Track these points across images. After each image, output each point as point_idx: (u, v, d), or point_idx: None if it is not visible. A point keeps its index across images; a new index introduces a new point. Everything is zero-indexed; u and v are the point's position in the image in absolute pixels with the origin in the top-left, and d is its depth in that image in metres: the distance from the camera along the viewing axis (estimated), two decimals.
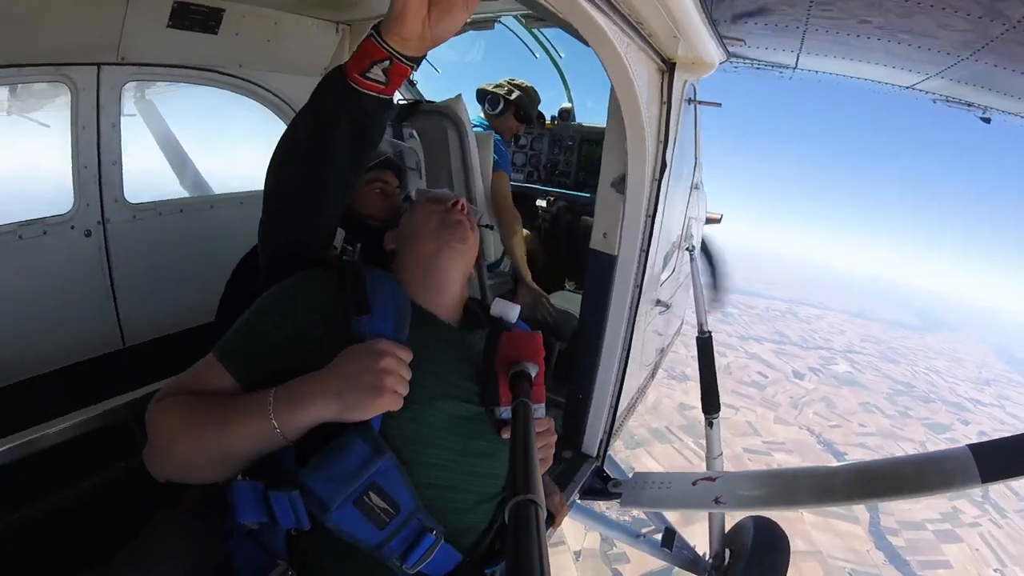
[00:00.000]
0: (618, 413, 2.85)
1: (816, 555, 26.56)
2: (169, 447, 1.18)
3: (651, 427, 34.99)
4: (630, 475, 3.06)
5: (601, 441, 2.85)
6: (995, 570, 29.99)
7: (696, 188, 3.74)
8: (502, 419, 1.27)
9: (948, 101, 2.53)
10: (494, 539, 1.36)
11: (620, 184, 2.33)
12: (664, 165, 2.29)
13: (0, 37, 2.23)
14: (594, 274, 2.53)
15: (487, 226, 3.50)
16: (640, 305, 2.55)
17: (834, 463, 36.18)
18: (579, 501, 3.03)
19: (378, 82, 1.31)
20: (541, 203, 4.76)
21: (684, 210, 3.49)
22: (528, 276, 3.43)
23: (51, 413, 1.92)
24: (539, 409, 1.20)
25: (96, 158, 2.70)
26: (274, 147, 1.51)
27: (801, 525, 27.75)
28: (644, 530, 3.78)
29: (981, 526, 33.65)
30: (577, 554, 22.84)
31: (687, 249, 3.77)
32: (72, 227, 2.71)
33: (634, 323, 2.55)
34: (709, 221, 5.24)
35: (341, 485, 1.07)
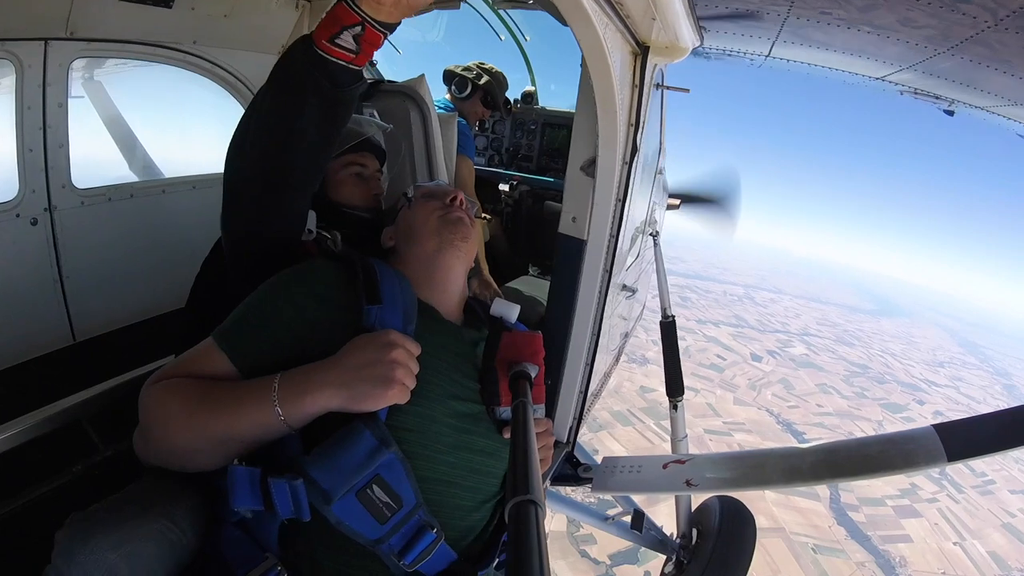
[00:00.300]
0: (588, 397, 2.84)
1: (779, 531, 27.44)
2: (164, 431, 1.15)
3: (613, 410, 35.55)
4: (598, 460, 3.06)
5: (571, 428, 2.84)
6: (954, 543, 31.44)
7: (660, 173, 3.74)
8: (502, 419, 1.29)
9: (916, 93, 2.57)
10: (489, 540, 1.36)
11: (590, 168, 2.29)
12: (635, 148, 2.26)
13: None
14: (563, 259, 2.50)
15: (483, 217, 3.44)
16: (609, 289, 2.53)
17: (794, 442, 37.45)
18: (549, 488, 3.03)
19: (348, 50, 1.26)
20: (503, 187, 4.70)
21: (649, 195, 3.48)
22: (484, 265, 3.33)
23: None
24: (539, 409, 1.21)
25: (42, 141, 2.53)
26: (233, 130, 1.45)
27: (763, 503, 28.59)
28: (612, 512, 3.81)
29: (939, 501, 35.21)
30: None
31: (651, 234, 3.76)
32: (17, 215, 2.55)
33: (604, 308, 2.53)
34: (668, 207, 5.28)
35: (345, 476, 1.05)
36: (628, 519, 3.66)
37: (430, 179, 3.14)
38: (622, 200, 2.33)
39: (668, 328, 3.58)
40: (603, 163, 2.24)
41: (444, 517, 1.21)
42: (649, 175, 3.34)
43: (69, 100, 2.65)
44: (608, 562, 22.82)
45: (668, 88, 2.75)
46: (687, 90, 2.75)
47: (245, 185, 1.48)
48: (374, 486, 1.08)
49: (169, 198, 3.27)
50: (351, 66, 1.29)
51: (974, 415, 1.96)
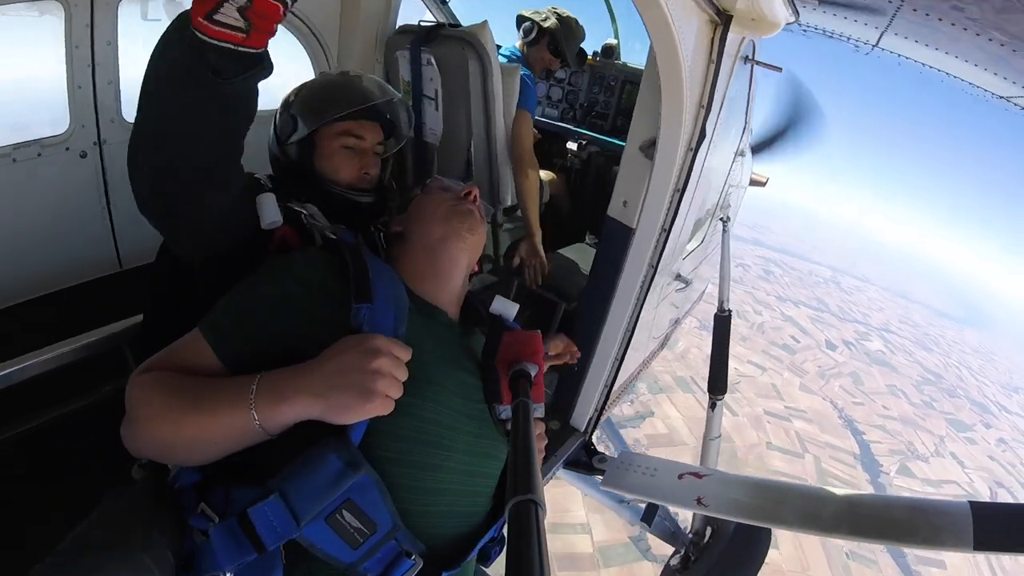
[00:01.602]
0: (613, 390, 2.71)
1: None
2: (147, 428, 1.08)
3: (676, 375, 35.25)
4: (618, 452, 2.98)
5: (591, 419, 2.74)
6: None
7: (742, 155, 3.44)
8: (502, 418, 1.23)
9: None
10: (475, 537, 1.30)
11: (649, 149, 2.08)
12: (703, 134, 2.01)
13: None
14: (607, 244, 2.33)
15: (497, 222, 3.33)
16: (654, 283, 2.34)
17: (851, 440, 36.20)
18: (562, 470, 3.00)
19: (234, 28, 0.98)
20: (571, 146, 4.41)
21: (725, 178, 3.20)
22: (537, 230, 3.11)
23: (46, 337, 1.89)
24: (538, 409, 1.17)
25: (91, 78, 2.58)
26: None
27: None
28: (629, 497, 3.71)
29: None
30: None
31: (721, 219, 3.52)
32: (67, 148, 2.62)
33: (643, 303, 2.35)
34: (754, 183, 4.93)
35: (312, 500, 0.98)
36: (643, 506, 3.58)
37: (486, 135, 3.01)
38: (681, 190, 2.10)
39: (722, 323, 3.39)
40: (664, 147, 2.03)
41: (436, 529, 1.17)
42: (726, 157, 3.07)
43: (139, 30, 2.68)
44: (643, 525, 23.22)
45: (759, 64, 2.45)
46: (779, 68, 2.44)
47: (147, 202, 1.28)
48: (344, 511, 1.01)
49: None
50: (241, 48, 1.02)
51: (1017, 503, 1.81)
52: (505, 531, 0.91)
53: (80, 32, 2.48)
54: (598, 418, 2.75)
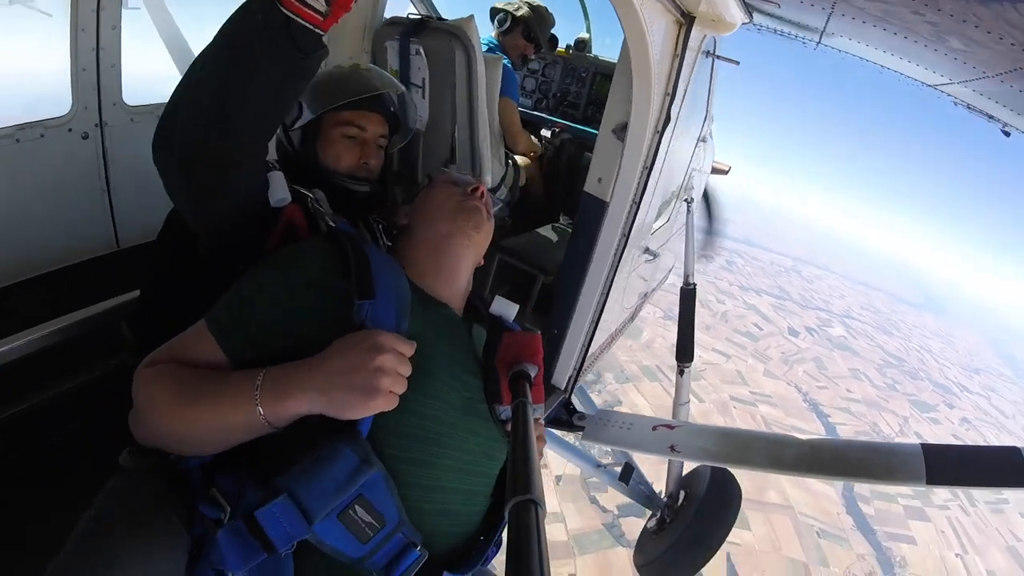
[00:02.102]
0: (590, 352, 2.94)
1: (788, 510, 27.45)
2: (154, 420, 1.11)
3: (643, 364, 35.45)
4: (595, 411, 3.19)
5: (570, 377, 2.95)
6: (956, 554, 31.10)
7: (703, 140, 3.70)
8: (502, 418, 1.24)
9: (969, 109, 2.47)
10: (475, 540, 1.32)
11: (621, 132, 2.31)
12: (668, 119, 2.26)
13: None
14: (584, 217, 2.56)
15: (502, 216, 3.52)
16: (625, 253, 2.59)
17: (817, 423, 36.90)
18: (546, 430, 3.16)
19: (316, 10, 1.11)
20: (545, 133, 4.63)
21: (688, 161, 3.47)
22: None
23: (45, 314, 1.97)
24: (538, 409, 1.16)
25: (95, 62, 2.64)
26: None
27: (777, 479, 28.57)
28: (605, 461, 3.94)
29: (950, 510, 34.66)
30: (558, 478, 23.73)
31: (685, 200, 3.77)
32: (70, 130, 2.68)
33: (616, 270, 2.60)
34: (716, 171, 5.19)
35: (327, 498, 0.99)
36: (619, 470, 3.82)
37: (469, 124, 3.18)
38: (649, 168, 2.35)
39: (688, 295, 3.62)
40: (634, 129, 2.26)
41: (437, 525, 1.18)
42: (689, 142, 3.32)
43: (126, 17, 2.71)
44: (616, 512, 23.36)
45: (718, 58, 2.71)
46: (736, 62, 2.70)
47: (179, 177, 1.31)
48: (356, 506, 1.02)
49: None
50: (317, 29, 1.13)
51: (964, 444, 2.03)
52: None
53: (87, 16, 2.53)
54: (577, 377, 2.95)
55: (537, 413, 1.15)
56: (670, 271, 4.98)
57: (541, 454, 1.32)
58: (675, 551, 3.42)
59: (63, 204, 2.72)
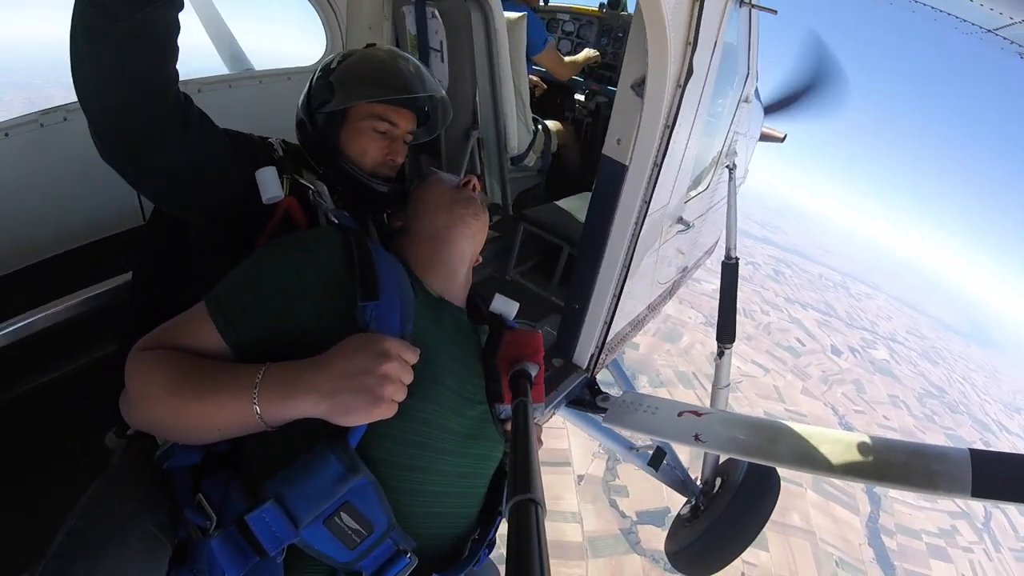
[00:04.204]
0: (614, 328, 2.79)
1: (809, 535, 26.89)
2: (146, 409, 1.10)
3: (679, 370, 35.18)
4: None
5: (592, 355, 2.81)
6: None
7: (747, 101, 3.48)
8: (502, 417, 1.25)
9: None
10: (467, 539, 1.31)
11: (639, 87, 2.13)
12: (691, 71, 2.07)
13: None
14: (602, 182, 2.41)
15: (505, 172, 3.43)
16: (647, 220, 2.42)
17: None
18: (568, 409, 3.06)
19: None
20: (579, 97, 4.51)
21: (728, 123, 3.28)
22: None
23: (73, 288, 1.97)
24: (538, 409, 1.16)
25: None
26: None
27: (802, 502, 28.02)
28: (639, 444, 3.77)
29: (974, 553, 33.45)
30: (580, 478, 23.54)
31: (727, 166, 3.55)
32: None
33: (638, 239, 2.43)
34: (768, 138, 4.97)
35: (311, 504, 0.99)
36: (651, 453, 3.66)
37: (491, 88, 3.09)
38: (671, 127, 2.17)
39: (729, 270, 3.48)
40: (652, 83, 2.08)
41: (431, 528, 1.18)
42: (728, 102, 3.16)
43: None
44: (634, 518, 23.10)
45: (753, 7, 2.53)
46: (774, 11, 2.52)
47: (109, 161, 1.31)
48: (342, 513, 1.01)
49: (235, 92, 3.33)
50: None
51: (1018, 452, 1.81)
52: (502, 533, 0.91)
53: None
54: (599, 356, 2.81)
55: (537, 413, 1.13)
56: (715, 245, 4.75)
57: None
58: (708, 539, 3.31)
59: (90, 182, 2.71)
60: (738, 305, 3.52)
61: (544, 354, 1.28)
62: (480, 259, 1.57)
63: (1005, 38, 2.14)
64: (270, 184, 1.48)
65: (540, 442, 1.38)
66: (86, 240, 2.76)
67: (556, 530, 22.99)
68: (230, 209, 1.48)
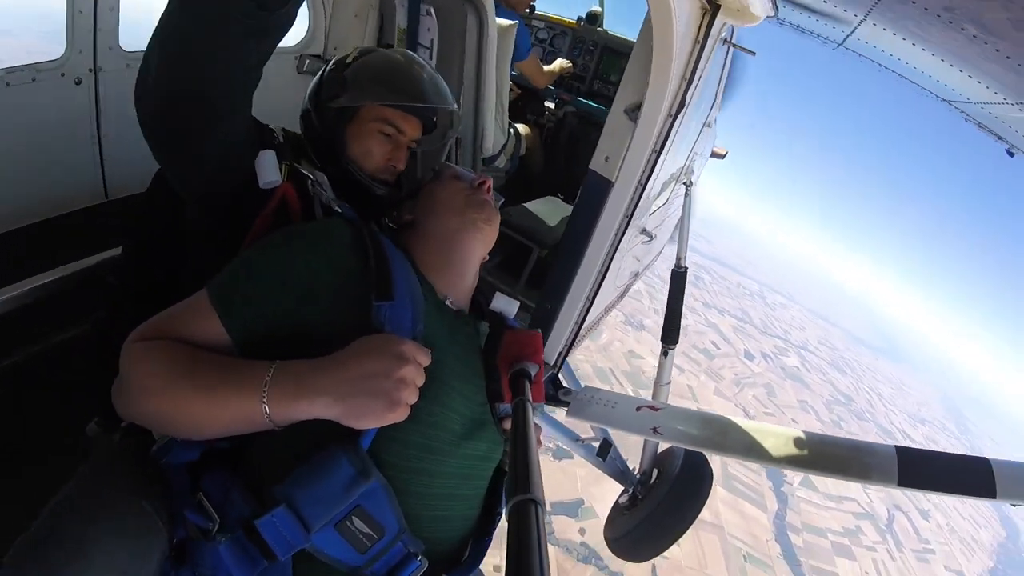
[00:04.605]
0: (582, 329, 2.95)
1: (718, 529, 27.91)
2: (142, 401, 1.07)
3: (597, 366, 35.70)
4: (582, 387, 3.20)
5: (560, 352, 2.96)
6: None
7: (708, 126, 3.70)
8: (502, 416, 1.27)
9: (979, 127, 2.50)
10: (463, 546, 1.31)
11: (634, 113, 2.30)
12: (683, 104, 2.26)
13: None
14: (588, 194, 2.55)
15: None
16: (627, 233, 2.59)
17: None
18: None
19: None
20: (549, 104, 4.67)
21: (691, 145, 3.47)
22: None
23: (31, 268, 1.93)
24: (537, 408, 1.17)
25: (93, 3, 2.52)
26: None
27: (711, 499, 28.85)
28: (584, 436, 3.93)
29: (877, 552, 35.50)
30: None
31: (684, 183, 3.76)
32: (62, 74, 2.57)
33: (615, 250, 2.60)
34: (714, 155, 5.23)
35: (324, 508, 0.98)
36: (597, 445, 3.84)
37: (475, 89, 3.18)
38: (658, 152, 2.35)
39: (678, 277, 3.67)
40: (647, 111, 2.25)
41: (438, 533, 1.18)
42: (696, 126, 3.34)
43: None
44: (549, 509, 23.69)
45: (735, 47, 2.73)
46: (753, 52, 2.73)
47: (156, 128, 1.30)
48: (354, 517, 1.00)
49: None
50: None
51: (937, 451, 2.05)
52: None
53: None
54: (567, 352, 2.96)
55: (537, 412, 1.14)
56: (660, 252, 5.02)
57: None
58: (644, 528, 3.49)
59: (52, 152, 2.61)
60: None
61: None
62: (488, 257, 1.55)
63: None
64: (269, 168, 1.46)
65: (540, 443, 1.33)
66: (44, 216, 2.62)
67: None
68: (229, 193, 1.48)
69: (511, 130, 3.77)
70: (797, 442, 2.27)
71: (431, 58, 3.18)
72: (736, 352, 56.35)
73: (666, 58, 2.09)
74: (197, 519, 1.02)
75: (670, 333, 3.57)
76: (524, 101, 4.68)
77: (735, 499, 30.83)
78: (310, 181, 1.50)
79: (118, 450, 1.22)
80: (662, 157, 2.39)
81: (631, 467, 3.96)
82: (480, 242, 1.43)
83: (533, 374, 1.19)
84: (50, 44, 2.52)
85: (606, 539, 3.86)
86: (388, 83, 1.68)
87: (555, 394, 3.07)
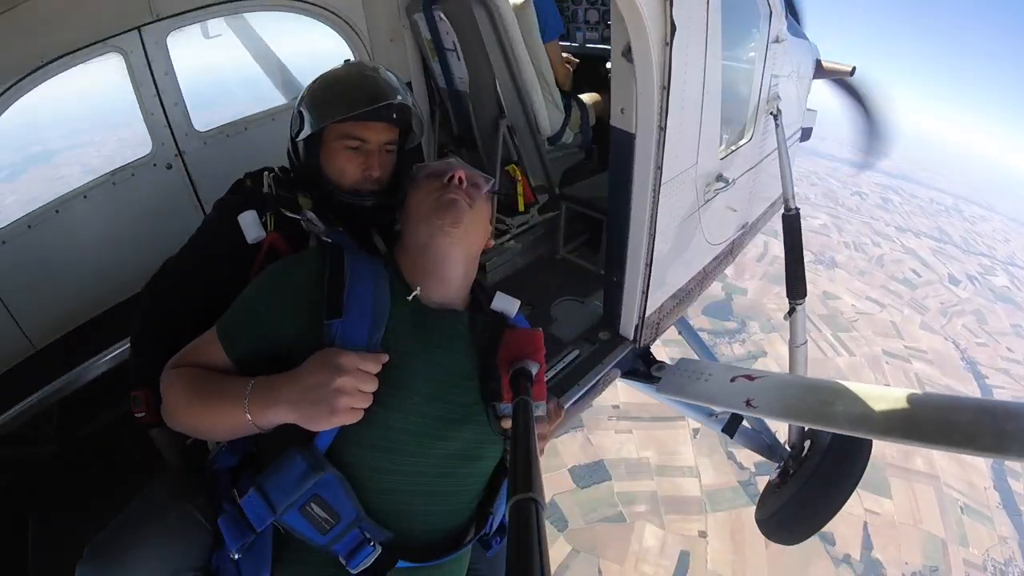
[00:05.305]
0: (654, 297, 2.78)
1: (933, 479, 24.99)
2: (175, 415, 1.33)
3: None
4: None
5: (636, 326, 2.81)
6: None
7: (777, 41, 3.25)
8: (503, 415, 1.25)
9: None
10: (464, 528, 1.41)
11: (628, 53, 2.11)
12: (674, 26, 2.02)
13: (52, 31, 2.58)
14: (616, 153, 2.42)
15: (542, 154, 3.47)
16: (669, 184, 2.41)
17: (973, 384, 33.31)
18: (624, 381, 3.07)
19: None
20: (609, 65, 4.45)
21: (761, 69, 3.15)
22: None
23: None
24: (540, 407, 1.17)
25: (160, 104, 3.05)
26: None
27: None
28: (719, 411, 3.52)
29: None
30: (696, 432, 23.01)
31: (771, 113, 3.35)
32: (154, 165, 3.14)
33: (657, 206, 2.41)
34: (833, 73, 4.62)
35: (284, 495, 1.16)
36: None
37: (511, 75, 3.14)
38: (666, 87, 2.13)
39: (790, 222, 3.30)
40: (636, 46, 2.05)
41: (410, 525, 1.28)
42: (750, 47, 3.09)
43: (176, 61, 3.11)
44: (753, 469, 22.40)
45: None
46: None
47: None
48: (312, 504, 1.17)
49: (280, 124, 3.48)
50: None
51: None
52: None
53: (141, 70, 2.96)
54: (642, 324, 2.79)
55: (539, 410, 1.16)
56: (780, 196, 4.56)
57: (542, 452, 1.25)
58: (797, 504, 3.22)
59: (164, 226, 2.83)
60: (803, 253, 3.37)
61: (545, 352, 1.27)
62: (491, 243, 1.57)
63: None
64: (251, 228, 1.67)
65: (546, 438, 1.35)
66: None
67: (673, 485, 22.53)
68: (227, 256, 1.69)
69: (571, 104, 3.64)
70: (919, 409, 1.95)
71: (459, 59, 3.19)
72: (940, 278, 49.87)
73: None
74: (230, 507, 1.24)
75: (795, 286, 3.25)
76: (587, 69, 4.38)
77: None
78: (302, 222, 1.67)
79: (179, 465, 1.69)
80: (676, 92, 2.18)
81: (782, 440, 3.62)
82: (452, 245, 1.40)
83: (534, 373, 1.19)
84: (125, 149, 3.17)
85: (756, 521, 3.57)
86: (331, 100, 1.71)
87: (645, 370, 2.96)
